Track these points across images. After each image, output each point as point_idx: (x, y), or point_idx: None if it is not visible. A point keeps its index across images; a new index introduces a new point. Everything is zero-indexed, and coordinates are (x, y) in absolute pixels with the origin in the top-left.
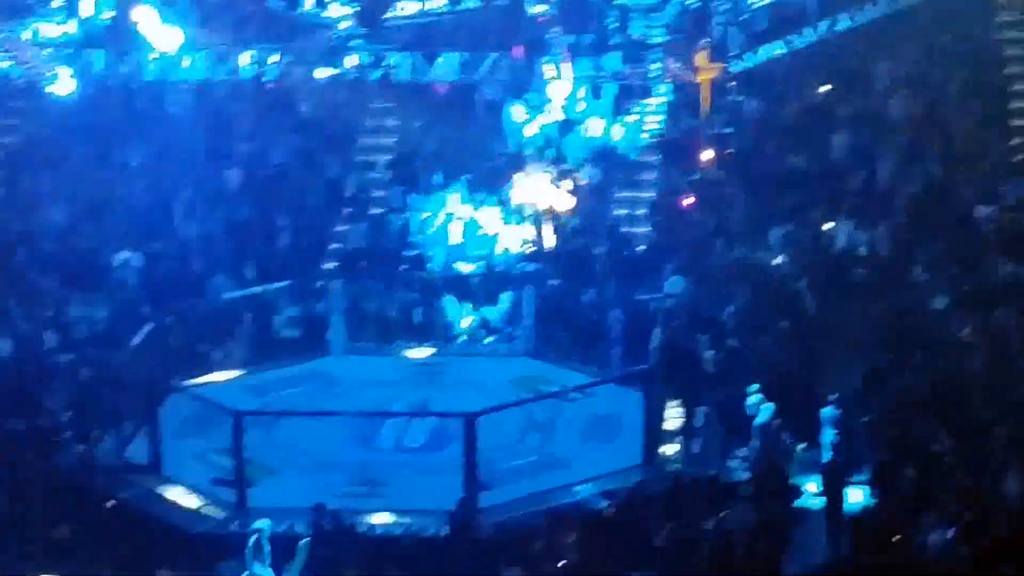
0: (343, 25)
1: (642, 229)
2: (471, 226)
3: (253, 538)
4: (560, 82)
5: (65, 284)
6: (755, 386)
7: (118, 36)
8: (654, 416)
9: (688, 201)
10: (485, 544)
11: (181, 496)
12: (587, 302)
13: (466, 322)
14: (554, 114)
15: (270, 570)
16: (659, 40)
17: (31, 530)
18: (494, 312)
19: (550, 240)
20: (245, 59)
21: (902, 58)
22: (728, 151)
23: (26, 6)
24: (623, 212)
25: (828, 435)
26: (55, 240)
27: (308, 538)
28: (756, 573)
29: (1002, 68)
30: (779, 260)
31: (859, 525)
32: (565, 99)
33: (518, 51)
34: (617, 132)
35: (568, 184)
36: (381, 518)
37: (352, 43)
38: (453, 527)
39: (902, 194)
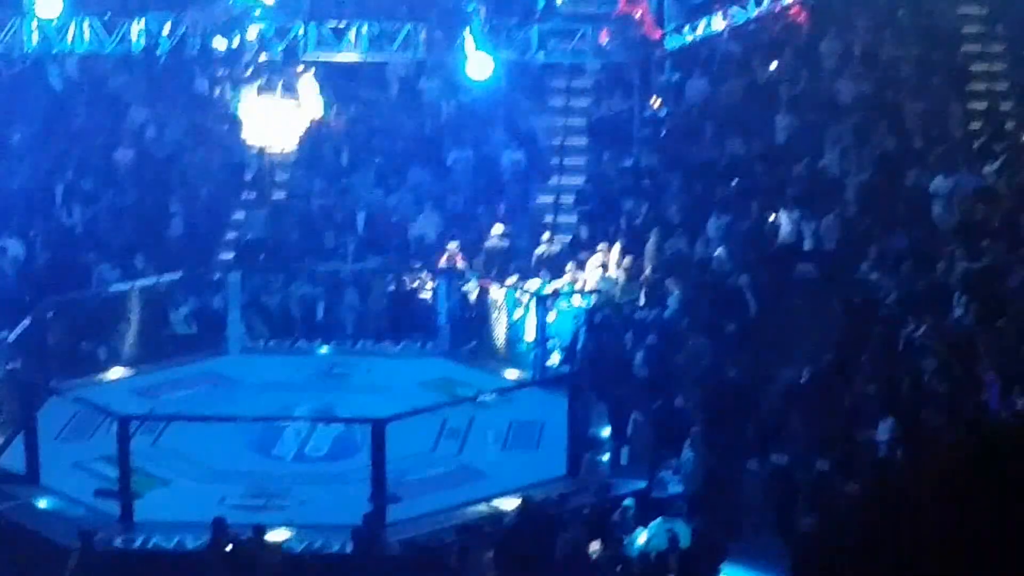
0: None
1: (568, 218)
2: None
3: None
4: (480, 57)
5: None
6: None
7: None
8: (579, 423)
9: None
10: (393, 562)
11: (61, 508)
12: (504, 298)
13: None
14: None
15: None
16: (590, 11)
17: None
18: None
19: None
20: (136, 29)
21: (854, 34)
22: (663, 134)
23: None
24: (547, 200)
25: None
26: None
27: None
28: None
29: (960, 46)
30: (718, 253)
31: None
32: (486, 77)
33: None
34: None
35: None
36: (281, 534)
37: (254, 13)
38: (359, 543)
39: (852, 183)
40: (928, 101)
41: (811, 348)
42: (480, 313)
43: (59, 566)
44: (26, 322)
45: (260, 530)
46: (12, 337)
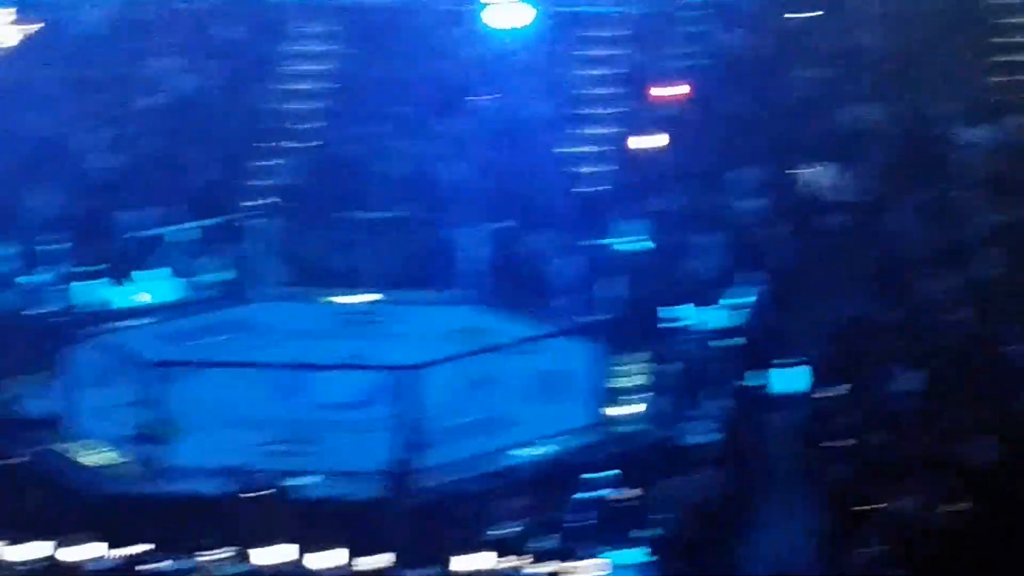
0: None
1: (601, 168)
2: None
3: None
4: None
5: None
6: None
7: None
8: (609, 372)
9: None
10: (422, 509)
11: (90, 454)
12: (538, 247)
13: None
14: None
15: None
16: None
17: None
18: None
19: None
20: None
21: None
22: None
23: None
24: (580, 149)
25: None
26: None
27: None
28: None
29: None
30: (749, 206)
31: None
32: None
33: None
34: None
35: None
36: (309, 480)
37: None
38: (387, 490)
39: (879, 135)
40: (955, 54)
41: (839, 301)
42: (511, 261)
43: (87, 512)
44: (56, 268)
45: (289, 476)
46: (42, 283)
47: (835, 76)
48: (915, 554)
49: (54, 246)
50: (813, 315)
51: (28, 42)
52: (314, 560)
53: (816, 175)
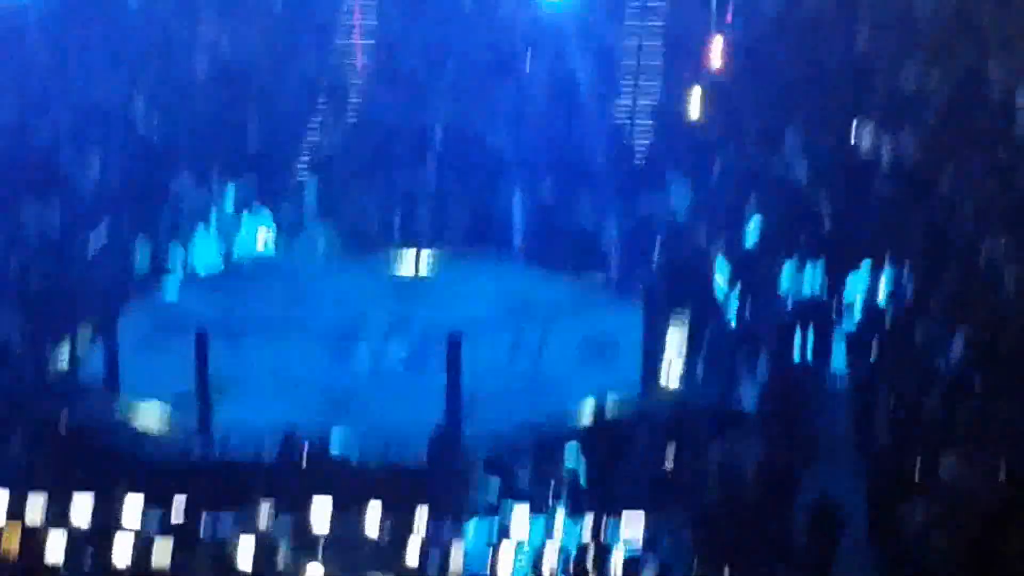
0: None
1: (645, 133)
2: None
3: None
4: None
5: (15, 185)
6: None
7: None
8: (655, 335)
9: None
10: (467, 473)
11: (140, 416)
12: (587, 211)
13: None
14: None
15: None
16: None
17: None
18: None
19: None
20: None
21: None
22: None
23: None
24: (624, 114)
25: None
26: (2, 138)
27: None
28: (765, 509)
29: None
30: (797, 170)
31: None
32: None
33: None
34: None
35: None
36: (356, 444)
37: None
38: (433, 454)
39: (932, 98)
40: (1011, 16)
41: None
42: (561, 226)
43: (138, 474)
44: (105, 230)
45: (336, 440)
46: (93, 246)
47: (889, 37)
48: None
49: (106, 210)
50: (861, 284)
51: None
52: (360, 522)
53: (866, 136)
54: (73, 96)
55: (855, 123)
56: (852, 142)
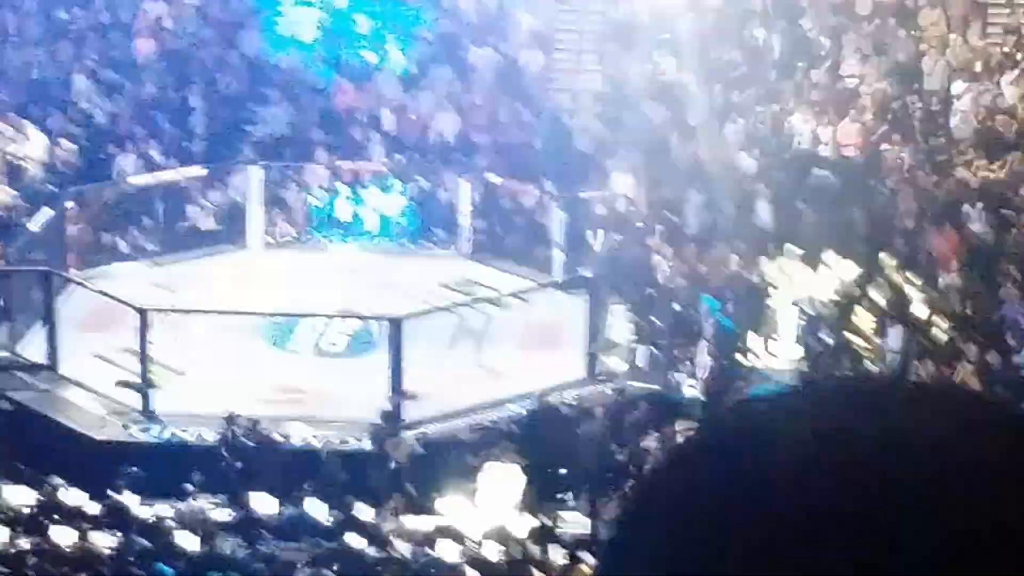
0: None
1: (587, 120)
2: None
3: None
4: None
5: None
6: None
7: None
8: (598, 325)
9: None
10: (409, 459)
11: (80, 398)
12: (530, 199)
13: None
14: None
15: None
16: None
17: None
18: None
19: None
20: None
21: None
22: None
23: None
24: (566, 102)
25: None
26: None
27: None
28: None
29: None
30: (741, 158)
31: None
32: None
33: None
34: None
35: None
36: (297, 428)
37: None
38: (375, 440)
39: (869, 89)
40: (947, 11)
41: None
42: (504, 215)
43: (78, 455)
44: (48, 212)
45: (276, 424)
46: (34, 227)
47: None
48: None
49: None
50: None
51: None
52: (305, 509)
53: (804, 127)
54: (10, 68)
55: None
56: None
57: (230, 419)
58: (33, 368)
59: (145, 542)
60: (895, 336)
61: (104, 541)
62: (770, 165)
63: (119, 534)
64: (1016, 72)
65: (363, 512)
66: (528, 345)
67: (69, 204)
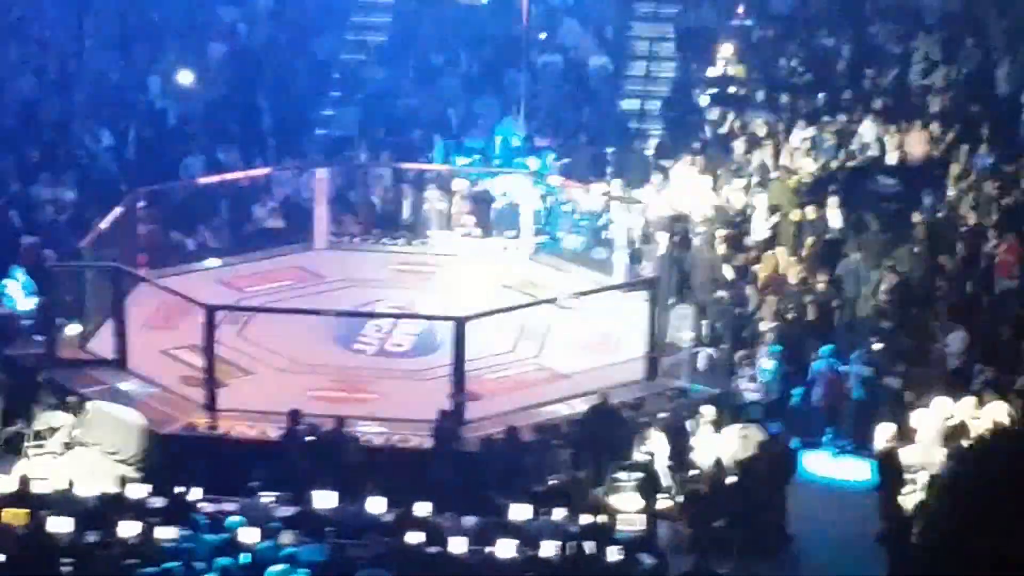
0: None
1: (652, 126)
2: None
3: None
4: None
5: (31, 162)
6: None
7: None
8: (659, 328)
9: None
10: (470, 458)
11: (148, 394)
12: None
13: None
14: None
15: None
16: None
17: None
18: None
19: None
20: None
21: None
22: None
23: None
24: (633, 107)
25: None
26: (20, 114)
27: None
28: (762, 499)
29: None
30: (803, 165)
31: None
32: None
33: None
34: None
35: None
36: (360, 426)
37: None
38: (437, 439)
39: (937, 97)
40: (1014, 18)
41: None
42: (566, 216)
43: (147, 451)
44: (118, 211)
45: (340, 422)
46: (104, 225)
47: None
48: None
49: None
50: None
51: None
52: (364, 506)
53: (870, 134)
54: (86, 70)
55: (859, 119)
56: (856, 138)
57: (292, 415)
58: (102, 364)
59: (209, 536)
60: (956, 339)
61: (168, 534)
62: (836, 171)
63: (183, 528)
64: None
65: (424, 510)
66: (588, 345)
67: (140, 204)
